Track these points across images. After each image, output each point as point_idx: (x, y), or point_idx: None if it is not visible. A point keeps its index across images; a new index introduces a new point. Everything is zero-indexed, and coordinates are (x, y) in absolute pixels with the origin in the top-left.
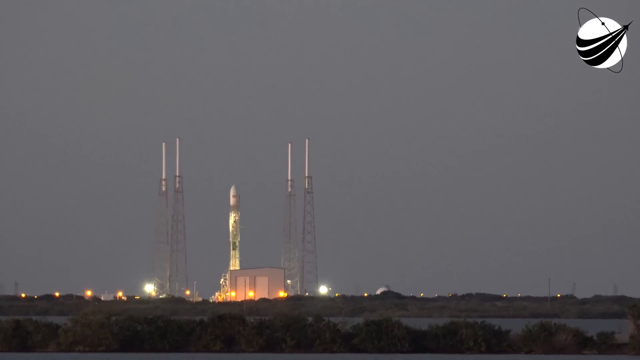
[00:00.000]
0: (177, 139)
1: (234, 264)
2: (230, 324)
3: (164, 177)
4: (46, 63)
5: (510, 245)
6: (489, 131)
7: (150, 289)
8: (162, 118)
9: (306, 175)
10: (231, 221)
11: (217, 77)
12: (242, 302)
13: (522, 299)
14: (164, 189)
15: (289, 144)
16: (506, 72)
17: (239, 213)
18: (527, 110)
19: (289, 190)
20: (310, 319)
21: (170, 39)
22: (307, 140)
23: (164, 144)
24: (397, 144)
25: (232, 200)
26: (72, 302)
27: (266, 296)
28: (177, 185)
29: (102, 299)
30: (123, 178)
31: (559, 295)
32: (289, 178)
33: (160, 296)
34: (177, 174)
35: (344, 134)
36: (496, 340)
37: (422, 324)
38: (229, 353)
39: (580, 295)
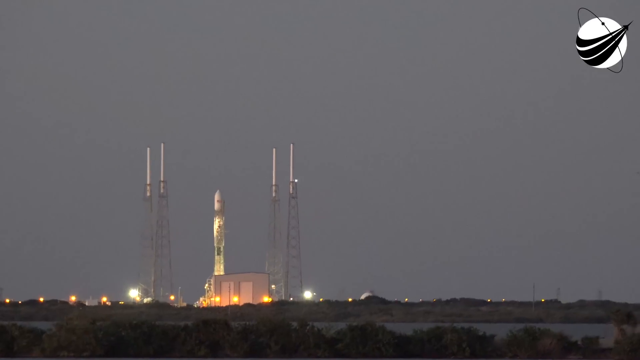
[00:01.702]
0: (162, 144)
1: (219, 269)
2: (215, 329)
3: (148, 182)
4: (27, 66)
5: (494, 251)
6: (477, 137)
7: (134, 294)
8: (146, 123)
9: (291, 180)
10: (216, 226)
11: (202, 82)
12: (226, 307)
13: (506, 303)
14: (148, 194)
15: (274, 149)
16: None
17: (224, 218)
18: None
19: (274, 195)
20: (294, 324)
21: (155, 43)
22: (291, 145)
23: (148, 148)
24: (382, 149)
25: (216, 205)
26: (57, 308)
27: (251, 301)
28: (162, 190)
29: (87, 304)
30: (107, 183)
31: (543, 300)
32: (274, 183)
33: (145, 301)
34: (162, 179)
35: (329, 139)
36: (481, 345)
37: (406, 329)
38: (214, 358)
39: (564, 300)
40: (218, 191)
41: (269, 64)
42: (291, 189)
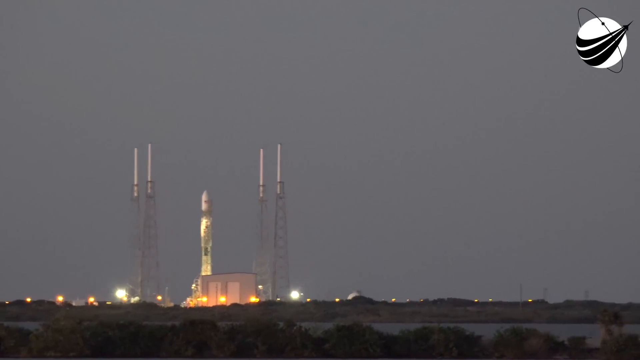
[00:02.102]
0: (149, 145)
1: (206, 269)
2: (202, 330)
3: (135, 182)
4: (14, 65)
5: (482, 251)
6: (463, 138)
7: (121, 294)
8: (134, 123)
9: (278, 180)
10: (203, 226)
11: (189, 83)
12: (213, 307)
13: (493, 304)
14: (135, 194)
15: (261, 150)
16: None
17: (211, 218)
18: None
19: (261, 195)
20: (281, 324)
21: (143, 43)
22: (279, 145)
23: (135, 149)
24: (369, 150)
25: (204, 206)
26: (44, 308)
27: (238, 301)
28: (149, 191)
29: (74, 304)
30: (95, 183)
31: (530, 301)
32: (261, 183)
33: (132, 301)
34: (149, 179)
35: (316, 139)
36: (468, 346)
37: (393, 329)
38: (201, 358)
39: (551, 300)
40: (205, 191)
41: (256, 64)
42: (278, 189)
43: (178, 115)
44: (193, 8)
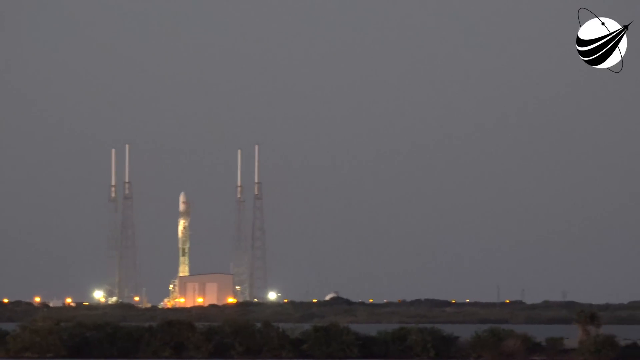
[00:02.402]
0: (127, 146)
1: (183, 270)
2: (180, 330)
3: (113, 183)
4: None
5: (459, 251)
6: (444, 140)
7: (99, 295)
8: (111, 124)
9: (256, 181)
10: (180, 227)
11: (167, 83)
12: (190, 308)
13: (471, 304)
14: (113, 195)
15: (239, 150)
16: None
17: (189, 219)
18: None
19: (239, 196)
20: (259, 325)
21: (119, 45)
22: (256, 146)
23: (113, 150)
24: (345, 150)
25: (181, 207)
26: (21, 309)
27: (215, 302)
28: (127, 192)
29: (51, 305)
30: (72, 184)
31: (507, 301)
32: (239, 184)
33: (110, 302)
34: (127, 180)
35: (294, 140)
36: (445, 346)
37: (371, 329)
38: (178, 359)
39: (529, 300)
40: (183, 193)
41: (234, 65)
42: (256, 190)
43: (156, 116)
44: (174, 10)
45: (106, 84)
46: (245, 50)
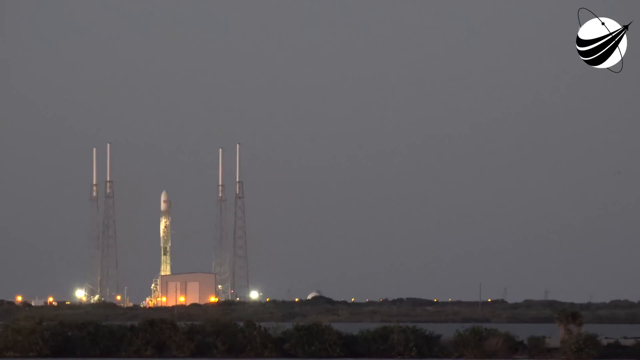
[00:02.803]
0: (108, 144)
1: (165, 269)
2: (162, 330)
3: (94, 182)
4: None
5: (441, 250)
6: (430, 139)
7: (81, 294)
8: (92, 123)
9: (237, 180)
10: (162, 226)
11: (148, 82)
12: (172, 307)
13: (453, 303)
14: (94, 194)
15: (220, 149)
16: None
17: (170, 218)
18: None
19: (220, 195)
20: (241, 324)
21: (101, 43)
22: (238, 145)
23: (94, 149)
24: (327, 149)
25: (163, 206)
26: (3, 308)
27: (197, 301)
28: (108, 191)
29: (33, 304)
30: (53, 183)
31: (489, 300)
32: (220, 183)
33: (92, 301)
34: (108, 179)
35: (276, 139)
36: (427, 345)
37: (353, 329)
38: (160, 358)
39: (511, 299)
40: (164, 191)
41: (214, 64)
42: (238, 189)
43: (137, 114)
44: (153, 9)
45: (87, 83)
46: (226, 49)
